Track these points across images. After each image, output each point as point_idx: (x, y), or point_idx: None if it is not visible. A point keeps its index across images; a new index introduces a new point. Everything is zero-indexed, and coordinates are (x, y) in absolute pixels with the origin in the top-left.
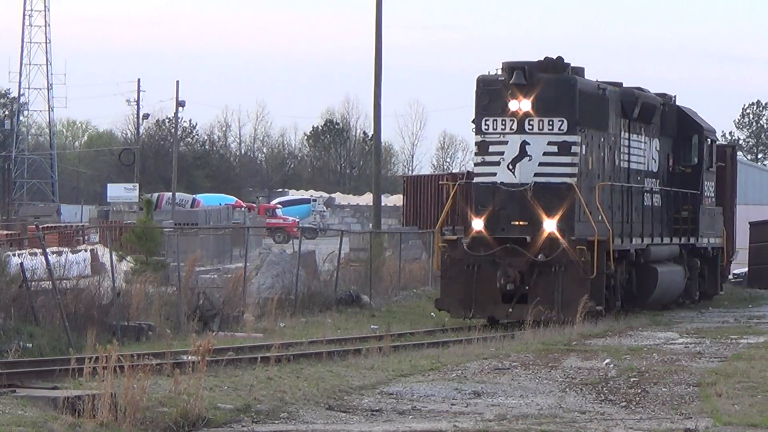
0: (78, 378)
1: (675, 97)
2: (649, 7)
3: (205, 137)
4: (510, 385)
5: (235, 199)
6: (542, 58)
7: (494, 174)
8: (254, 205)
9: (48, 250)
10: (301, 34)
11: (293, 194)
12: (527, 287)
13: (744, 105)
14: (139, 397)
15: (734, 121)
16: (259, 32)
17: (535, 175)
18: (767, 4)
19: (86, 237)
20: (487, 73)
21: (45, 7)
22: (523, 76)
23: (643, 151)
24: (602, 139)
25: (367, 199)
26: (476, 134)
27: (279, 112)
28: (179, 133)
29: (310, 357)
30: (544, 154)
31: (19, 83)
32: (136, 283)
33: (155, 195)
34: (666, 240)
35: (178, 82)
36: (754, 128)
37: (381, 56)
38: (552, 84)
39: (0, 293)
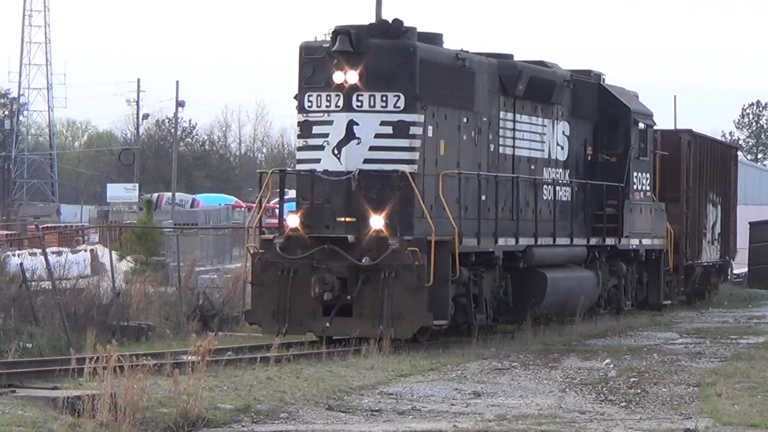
0: (78, 378)
1: (603, 75)
2: (650, 8)
3: (205, 137)
4: (510, 385)
5: (235, 199)
6: (375, 21)
7: (318, 160)
8: (254, 205)
9: (48, 250)
10: (301, 34)
11: (293, 194)
12: (349, 297)
13: (744, 105)
14: (138, 397)
15: (734, 121)
16: (259, 32)
17: (365, 161)
18: (767, 4)
19: (86, 237)
20: (313, 39)
21: (45, 7)
22: (348, 41)
23: (540, 136)
24: (465, 120)
25: None
26: (299, 112)
27: (279, 112)
28: (179, 133)
29: (310, 357)
30: (376, 136)
31: (19, 83)
32: (136, 283)
33: (155, 195)
34: (563, 240)
35: (178, 82)
36: (754, 128)
37: None
38: (385, 51)
39: (0, 293)
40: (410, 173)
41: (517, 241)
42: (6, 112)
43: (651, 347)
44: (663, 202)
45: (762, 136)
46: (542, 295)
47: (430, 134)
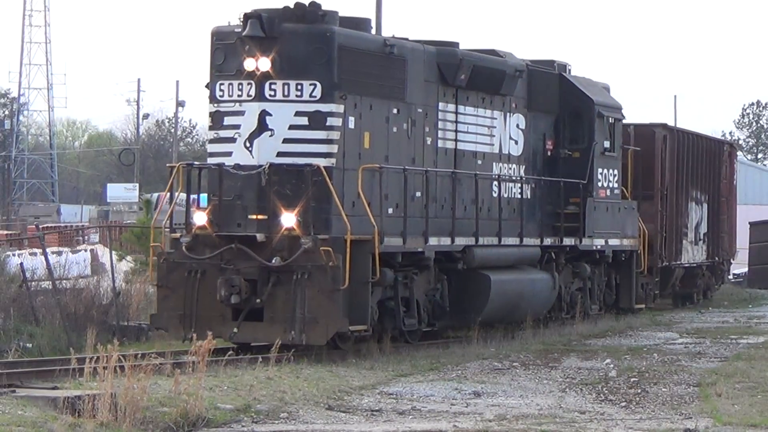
0: (78, 378)
1: (569, 66)
2: (650, 7)
3: (205, 137)
4: (510, 385)
5: None
6: (292, 5)
7: (229, 153)
8: None
9: (48, 250)
10: None
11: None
12: (259, 300)
13: (744, 105)
14: (139, 397)
15: (734, 121)
16: None
17: (279, 154)
18: (767, 4)
19: (86, 237)
20: (227, 24)
21: (45, 7)
22: (259, 26)
23: (488, 129)
24: (395, 111)
25: None
26: (210, 102)
27: None
28: (179, 133)
29: (310, 357)
30: (291, 127)
31: (19, 83)
32: (136, 283)
33: (155, 195)
34: (511, 240)
35: (178, 82)
36: (754, 128)
37: None
38: (301, 37)
39: (0, 293)
40: (326, 167)
41: (452, 241)
42: (6, 112)
43: (651, 347)
44: (636, 200)
45: (762, 136)
46: (486, 298)
47: (351, 126)
